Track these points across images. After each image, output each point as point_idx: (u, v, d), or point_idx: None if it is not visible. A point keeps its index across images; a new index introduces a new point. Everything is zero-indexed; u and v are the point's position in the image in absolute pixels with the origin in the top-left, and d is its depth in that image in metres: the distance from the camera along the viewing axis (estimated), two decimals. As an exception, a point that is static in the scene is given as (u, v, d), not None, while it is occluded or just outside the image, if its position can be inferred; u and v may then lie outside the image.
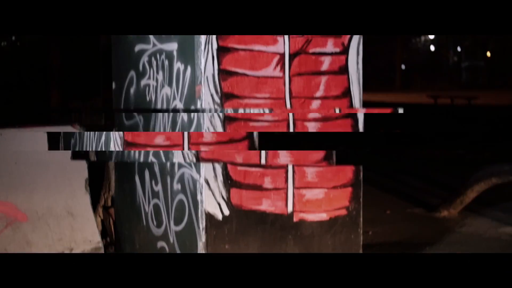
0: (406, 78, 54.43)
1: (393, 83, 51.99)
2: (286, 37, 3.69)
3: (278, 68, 3.70)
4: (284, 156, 3.75)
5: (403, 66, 55.68)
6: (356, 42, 3.89)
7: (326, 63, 3.82)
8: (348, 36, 3.86)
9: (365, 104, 4.01)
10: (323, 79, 3.82)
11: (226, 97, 3.60)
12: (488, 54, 59.57)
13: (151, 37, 4.07)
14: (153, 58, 4.08)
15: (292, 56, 3.72)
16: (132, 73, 4.37)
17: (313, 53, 3.78)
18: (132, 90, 4.40)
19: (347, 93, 3.89)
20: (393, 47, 54.38)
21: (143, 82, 4.23)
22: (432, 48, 62.53)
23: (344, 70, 3.87)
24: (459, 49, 60.53)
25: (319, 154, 3.83)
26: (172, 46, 3.83)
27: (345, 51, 3.87)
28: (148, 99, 4.16)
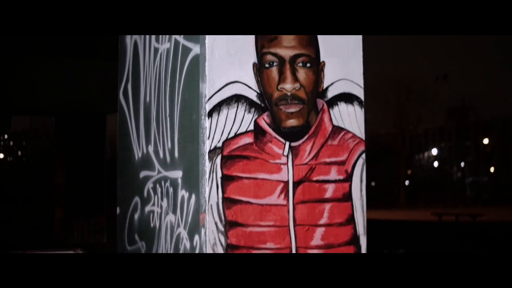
0: (410, 194, 54.51)
1: (397, 200, 52.00)
2: (290, 165, 3.73)
3: (282, 196, 3.71)
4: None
5: (407, 182, 55.90)
6: (359, 169, 3.92)
7: (330, 191, 3.83)
8: (352, 163, 3.89)
9: (368, 222, 3.99)
10: (327, 206, 3.82)
11: (230, 225, 3.60)
12: (492, 169, 59.91)
13: (156, 164, 4.11)
14: (157, 185, 4.12)
15: (296, 184, 3.74)
16: (137, 199, 4.40)
17: (317, 181, 3.79)
18: (136, 216, 4.41)
19: (351, 220, 3.89)
20: (396, 163, 54.74)
21: (148, 208, 4.25)
22: (436, 164, 62.94)
23: (348, 197, 3.88)
24: (462, 164, 60.90)
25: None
26: (177, 173, 3.87)
27: (348, 178, 3.88)
28: (152, 225, 4.16)
